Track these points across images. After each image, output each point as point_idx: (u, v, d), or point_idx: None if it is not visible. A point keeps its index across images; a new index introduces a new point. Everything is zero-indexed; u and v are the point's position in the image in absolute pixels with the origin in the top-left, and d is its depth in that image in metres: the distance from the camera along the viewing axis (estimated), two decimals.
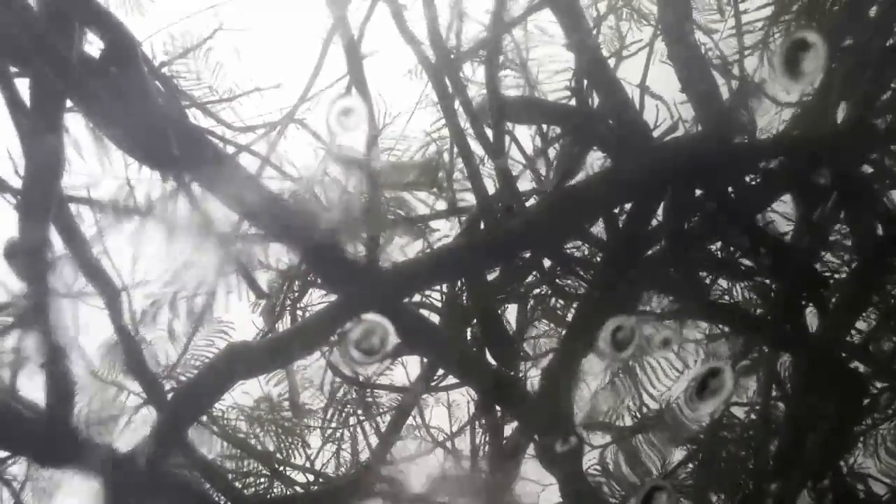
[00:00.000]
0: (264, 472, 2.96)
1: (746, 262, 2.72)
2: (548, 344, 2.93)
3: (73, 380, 2.27)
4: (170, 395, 2.66)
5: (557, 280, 2.83)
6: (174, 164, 2.16)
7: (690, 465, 2.73)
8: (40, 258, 2.13)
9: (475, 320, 2.86)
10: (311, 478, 3.00)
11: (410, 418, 2.98)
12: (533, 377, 2.81)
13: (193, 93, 2.82)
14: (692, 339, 2.72)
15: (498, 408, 2.80)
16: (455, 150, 2.67)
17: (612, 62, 2.71)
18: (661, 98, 2.62)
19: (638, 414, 2.74)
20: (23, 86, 2.13)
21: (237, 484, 2.87)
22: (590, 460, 2.69)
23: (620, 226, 2.62)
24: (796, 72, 2.23)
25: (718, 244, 2.71)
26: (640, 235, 2.59)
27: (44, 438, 2.15)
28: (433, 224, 2.90)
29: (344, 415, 3.02)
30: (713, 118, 2.40)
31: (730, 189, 2.57)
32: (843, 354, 2.61)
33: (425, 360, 2.87)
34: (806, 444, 2.58)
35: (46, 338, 2.19)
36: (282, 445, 3.01)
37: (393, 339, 2.40)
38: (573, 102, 2.69)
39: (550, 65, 2.72)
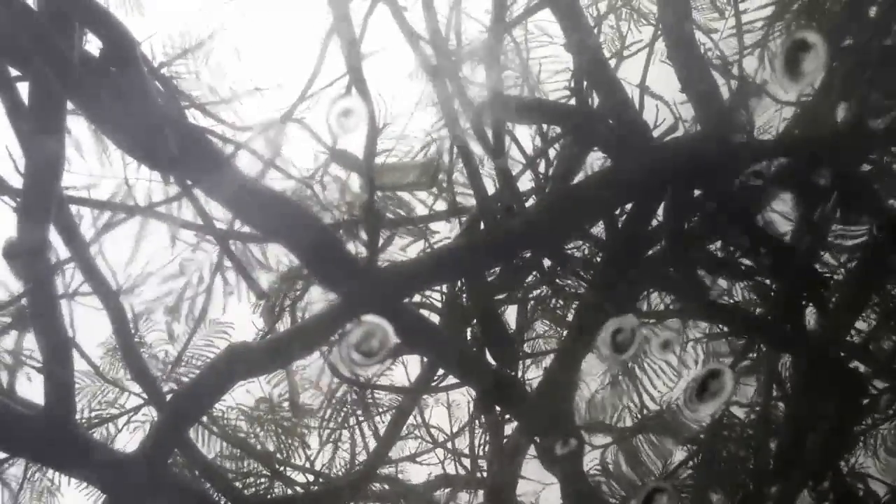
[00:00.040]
0: (264, 472, 2.96)
1: (746, 262, 2.72)
2: (548, 344, 2.93)
3: (73, 380, 2.26)
4: (169, 396, 2.66)
5: (558, 280, 2.83)
6: (174, 164, 2.16)
7: (691, 465, 2.73)
8: (40, 259, 2.12)
9: (475, 320, 2.86)
10: (311, 478, 3.00)
11: (411, 418, 2.98)
12: (533, 378, 2.82)
13: (193, 93, 2.81)
14: (692, 339, 2.73)
15: (498, 408, 2.80)
16: (455, 150, 2.67)
17: (612, 62, 2.71)
18: (662, 98, 2.62)
19: (639, 415, 2.74)
20: (23, 88, 2.13)
21: (237, 484, 2.87)
22: (591, 461, 2.69)
23: (620, 226, 2.62)
24: (796, 72, 2.22)
25: (718, 244, 2.71)
26: (640, 235, 2.59)
27: (43, 439, 2.15)
28: (433, 226, 2.90)
29: (343, 415, 3.02)
30: (713, 118, 2.40)
31: (730, 189, 2.56)
32: (843, 354, 2.61)
33: (425, 360, 2.87)
34: (806, 444, 2.59)
35: (46, 338, 2.18)
36: (282, 446, 3.01)
37: (392, 342, 2.40)
38: (573, 102, 2.69)
39: (550, 65, 2.72)
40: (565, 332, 2.82)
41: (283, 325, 2.97)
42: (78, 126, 2.49)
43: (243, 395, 2.98)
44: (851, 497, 2.60)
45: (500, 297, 2.89)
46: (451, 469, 3.02)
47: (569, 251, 2.75)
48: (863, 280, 2.60)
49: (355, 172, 2.81)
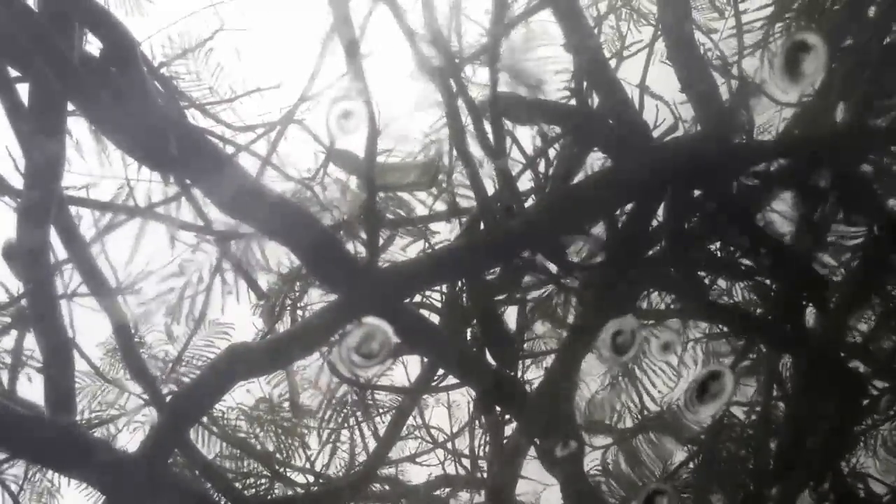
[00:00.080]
0: (264, 472, 2.95)
1: (746, 262, 2.72)
2: (548, 344, 2.92)
3: (73, 381, 2.26)
4: (169, 397, 2.66)
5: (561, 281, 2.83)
6: (173, 164, 2.16)
7: (691, 466, 2.73)
8: (40, 260, 2.12)
9: (475, 320, 2.86)
10: (311, 479, 2.99)
11: (411, 418, 2.98)
12: (533, 378, 2.81)
13: (193, 93, 2.81)
14: (692, 340, 2.73)
15: (498, 408, 2.80)
16: (455, 151, 2.66)
17: (612, 62, 2.71)
18: (662, 98, 2.62)
19: (639, 416, 2.74)
20: (22, 89, 2.13)
21: (237, 484, 2.87)
22: (591, 461, 2.69)
23: (620, 226, 2.62)
24: (796, 73, 2.22)
25: (718, 244, 2.71)
26: (641, 235, 2.59)
27: (43, 440, 2.14)
28: (433, 226, 2.90)
29: (343, 415, 3.02)
30: (713, 118, 2.40)
31: (730, 189, 2.57)
32: (843, 354, 2.61)
33: (425, 360, 2.87)
34: (806, 445, 2.59)
35: (46, 339, 2.18)
36: (281, 446, 3.01)
37: (392, 344, 2.40)
38: (573, 102, 2.69)
39: (550, 65, 2.72)
40: (565, 333, 2.82)
41: (283, 325, 2.97)
42: (78, 127, 2.50)
43: (243, 395, 2.98)
44: (852, 498, 2.60)
45: (500, 297, 2.89)
46: (451, 469, 3.02)
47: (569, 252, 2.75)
48: (863, 280, 2.60)
49: (354, 173, 2.81)
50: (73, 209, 2.57)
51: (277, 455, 3.00)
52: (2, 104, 2.11)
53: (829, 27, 2.45)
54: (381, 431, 2.97)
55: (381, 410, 3.00)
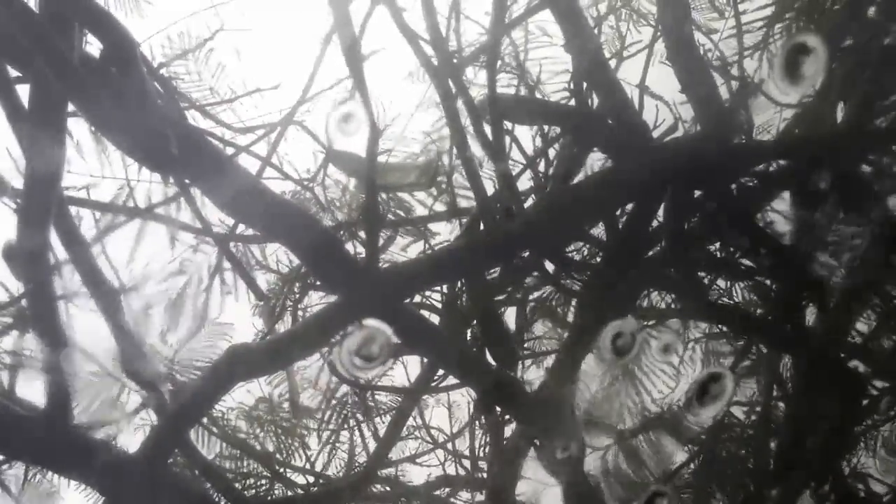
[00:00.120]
0: (264, 473, 2.95)
1: (746, 262, 2.72)
2: (548, 344, 2.93)
3: (73, 381, 2.26)
4: (169, 397, 2.65)
5: (561, 281, 2.83)
6: (173, 165, 2.16)
7: (692, 467, 2.73)
8: (40, 261, 2.12)
9: (475, 320, 2.86)
10: (311, 479, 2.99)
11: (411, 419, 2.98)
12: (533, 379, 2.81)
13: (194, 94, 2.81)
14: (693, 340, 2.73)
15: (498, 409, 2.80)
16: (455, 151, 2.67)
17: (612, 63, 2.71)
18: (661, 98, 2.62)
19: (639, 417, 2.74)
20: (22, 90, 2.13)
21: (237, 485, 2.87)
22: (592, 461, 2.69)
23: (620, 226, 2.62)
24: (796, 75, 2.23)
25: (718, 244, 2.71)
26: (641, 236, 2.59)
27: (43, 441, 2.14)
28: (433, 227, 2.90)
29: (343, 415, 3.02)
30: (713, 119, 2.40)
31: (730, 189, 2.57)
32: (843, 354, 2.61)
33: (425, 360, 2.87)
34: (806, 445, 2.59)
35: (45, 340, 2.18)
36: (281, 446, 3.01)
37: (392, 346, 2.40)
38: (573, 103, 2.69)
39: (550, 66, 2.72)
40: (566, 333, 2.82)
41: (283, 325, 2.97)
42: (78, 127, 2.49)
43: (243, 395, 2.98)
44: (852, 498, 2.60)
45: (500, 297, 2.89)
46: (451, 470, 3.02)
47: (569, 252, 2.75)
48: (863, 280, 2.60)
49: (354, 174, 2.81)
50: (73, 210, 2.57)
51: (277, 455, 3.00)
52: (2, 105, 2.11)
53: (829, 27, 2.45)
54: (381, 432, 2.97)
55: (381, 410, 3.01)
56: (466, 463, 3.01)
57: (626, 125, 2.48)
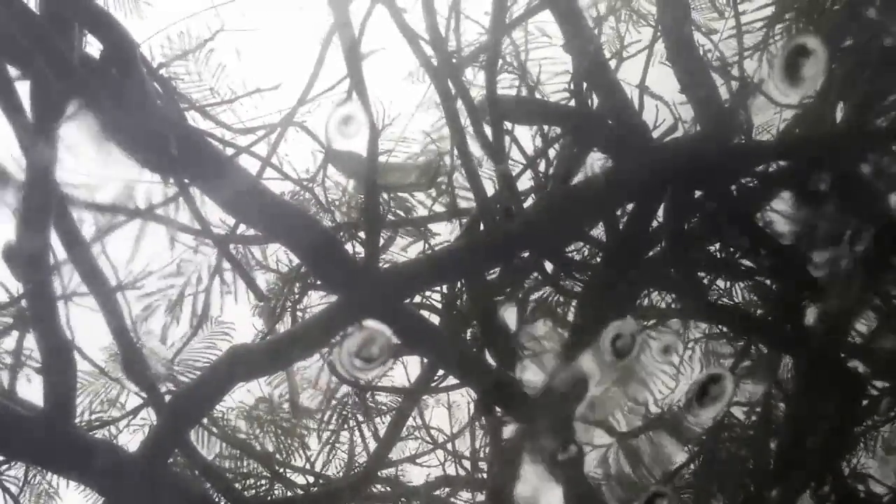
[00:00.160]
0: (265, 473, 2.95)
1: (746, 262, 2.72)
2: (548, 345, 2.92)
3: (74, 382, 2.26)
4: (169, 398, 2.65)
5: (560, 282, 2.83)
6: (174, 166, 2.16)
7: (691, 467, 2.73)
8: (40, 262, 2.12)
9: (475, 320, 2.86)
10: (311, 479, 2.99)
11: (410, 419, 2.98)
12: (533, 380, 2.81)
13: (194, 94, 2.81)
14: (693, 340, 2.73)
15: (498, 409, 2.80)
16: (455, 151, 2.67)
17: (612, 63, 2.71)
18: (661, 98, 2.62)
19: (640, 418, 2.74)
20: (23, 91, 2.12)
21: (237, 485, 2.87)
22: (593, 461, 2.69)
23: (620, 227, 2.62)
24: (796, 77, 2.22)
25: (718, 244, 2.71)
26: (641, 236, 2.59)
27: (43, 441, 2.14)
28: (433, 227, 2.90)
29: (343, 416, 3.02)
30: (713, 119, 2.40)
31: (730, 189, 2.57)
32: (843, 355, 2.61)
33: (425, 360, 2.87)
34: (806, 445, 2.59)
35: (45, 341, 2.18)
36: (281, 447, 3.01)
37: (392, 347, 2.40)
38: (573, 103, 2.69)
39: (550, 66, 2.72)
40: (566, 333, 2.83)
41: (283, 326, 2.97)
42: (78, 128, 2.49)
43: (243, 395, 2.98)
44: (852, 499, 2.60)
45: (500, 297, 2.89)
46: (451, 470, 3.02)
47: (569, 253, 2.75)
48: (863, 280, 2.59)
49: (353, 175, 2.81)
50: (73, 210, 2.57)
51: (277, 455, 2.99)
52: (2, 106, 2.10)
53: (829, 27, 2.45)
54: (381, 432, 2.97)
55: (381, 411, 3.00)
56: (466, 463, 3.01)
57: (625, 125, 2.48)
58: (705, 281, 2.78)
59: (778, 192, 2.56)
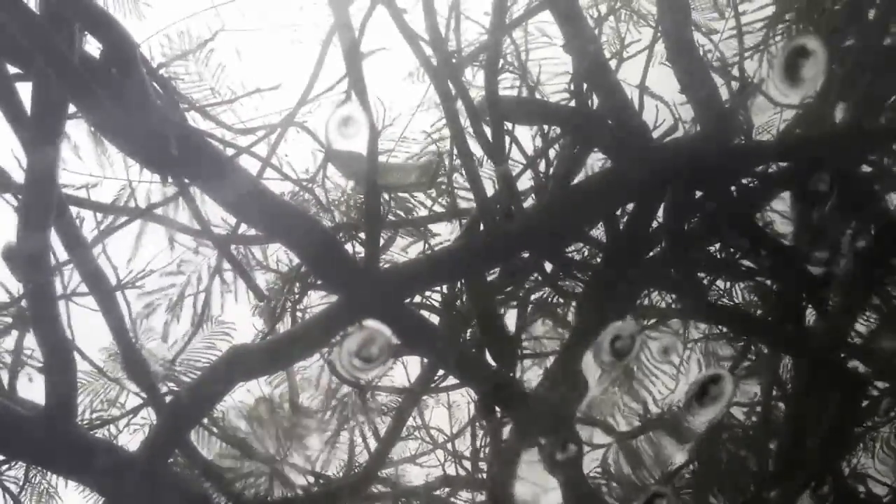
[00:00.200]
0: (265, 472, 2.95)
1: (746, 262, 2.72)
2: (548, 344, 2.93)
3: (75, 382, 2.26)
4: (169, 398, 2.65)
5: (559, 282, 2.83)
6: (174, 166, 2.16)
7: (691, 468, 2.73)
8: (40, 263, 2.12)
9: (475, 320, 2.86)
10: (311, 479, 2.99)
11: (411, 419, 2.98)
12: (533, 379, 2.81)
13: (194, 94, 2.81)
14: (693, 340, 2.73)
15: (498, 409, 2.80)
16: (455, 151, 2.67)
17: (612, 63, 2.70)
18: (661, 99, 2.62)
19: (639, 418, 2.74)
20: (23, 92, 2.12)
21: (237, 484, 2.87)
22: (593, 460, 2.69)
23: (620, 227, 2.62)
24: (797, 78, 2.22)
25: (718, 245, 2.71)
26: (641, 236, 2.59)
27: (43, 441, 2.15)
28: (433, 227, 2.90)
29: (344, 415, 3.02)
30: (713, 119, 2.40)
31: (730, 190, 2.57)
32: (843, 355, 2.61)
33: (425, 360, 2.87)
34: (806, 445, 2.59)
35: (45, 341, 2.18)
36: (281, 447, 3.01)
37: (392, 347, 2.41)
38: (573, 104, 2.69)
39: (550, 67, 2.72)
40: (566, 333, 2.83)
41: (284, 325, 2.97)
42: (78, 128, 2.50)
43: (243, 395, 2.98)
44: (852, 499, 2.60)
45: (500, 297, 2.89)
46: (451, 470, 3.02)
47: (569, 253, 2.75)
48: (863, 280, 2.60)
49: (353, 176, 2.81)
50: (73, 210, 2.57)
51: (277, 455, 2.99)
52: (3, 107, 2.11)
53: (829, 28, 2.45)
54: (381, 432, 2.97)
55: (381, 411, 3.00)
56: (466, 463, 3.01)
57: (626, 126, 2.48)
58: (705, 281, 2.78)
59: (778, 193, 2.55)
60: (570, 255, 2.79)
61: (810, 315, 2.69)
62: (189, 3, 2.79)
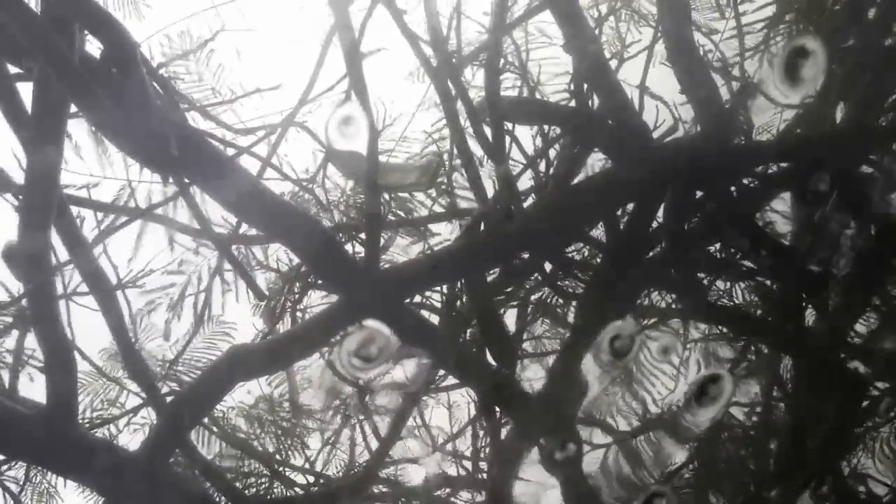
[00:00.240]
0: (265, 472, 2.96)
1: (746, 262, 2.72)
2: (548, 344, 2.93)
3: (76, 382, 2.26)
4: (170, 398, 2.66)
5: (558, 283, 2.83)
6: (174, 166, 2.16)
7: (691, 467, 2.73)
8: (40, 263, 2.12)
9: (475, 320, 2.86)
10: (311, 479, 3.00)
11: (411, 419, 2.98)
12: (533, 379, 2.81)
13: (195, 95, 2.81)
14: (693, 340, 2.73)
15: (498, 410, 2.80)
16: (455, 151, 2.67)
17: (612, 63, 2.70)
18: (661, 99, 2.62)
19: (639, 418, 2.74)
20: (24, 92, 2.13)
21: (237, 484, 2.87)
22: (593, 460, 2.69)
23: (620, 227, 2.62)
24: (797, 78, 2.23)
25: (718, 245, 2.71)
26: (641, 236, 2.59)
27: (43, 441, 2.15)
28: (433, 227, 2.90)
29: (346, 415, 3.02)
30: (713, 120, 2.40)
31: (730, 190, 2.57)
32: (843, 355, 2.61)
33: (425, 360, 2.87)
34: (806, 445, 2.59)
35: (46, 341, 2.18)
36: (281, 446, 3.01)
37: (392, 347, 2.41)
38: (573, 104, 2.69)
39: (551, 67, 2.72)
40: (567, 333, 2.83)
41: (284, 325, 2.97)
42: (78, 128, 2.50)
43: (243, 395, 2.98)
44: (852, 499, 2.60)
45: (500, 297, 2.89)
46: (451, 470, 3.02)
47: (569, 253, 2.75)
48: (863, 280, 2.60)
49: (353, 176, 2.81)
50: (74, 210, 2.57)
51: (277, 455, 3.00)
52: (3, 107, 2.11)
53: (830, 28, 2.45)
54: (382, 432, 2.97)
55: (381, 411, 3.00)
56: (466, 463, 3.01)
57: (626, 126, 2.48)
58: (705, 281, 2.78)
59: (778, 193, 2.56)
60: (570, 255, 2.78)
61: (810, 315, 2.69)
62: (189, 3, 2.79)
